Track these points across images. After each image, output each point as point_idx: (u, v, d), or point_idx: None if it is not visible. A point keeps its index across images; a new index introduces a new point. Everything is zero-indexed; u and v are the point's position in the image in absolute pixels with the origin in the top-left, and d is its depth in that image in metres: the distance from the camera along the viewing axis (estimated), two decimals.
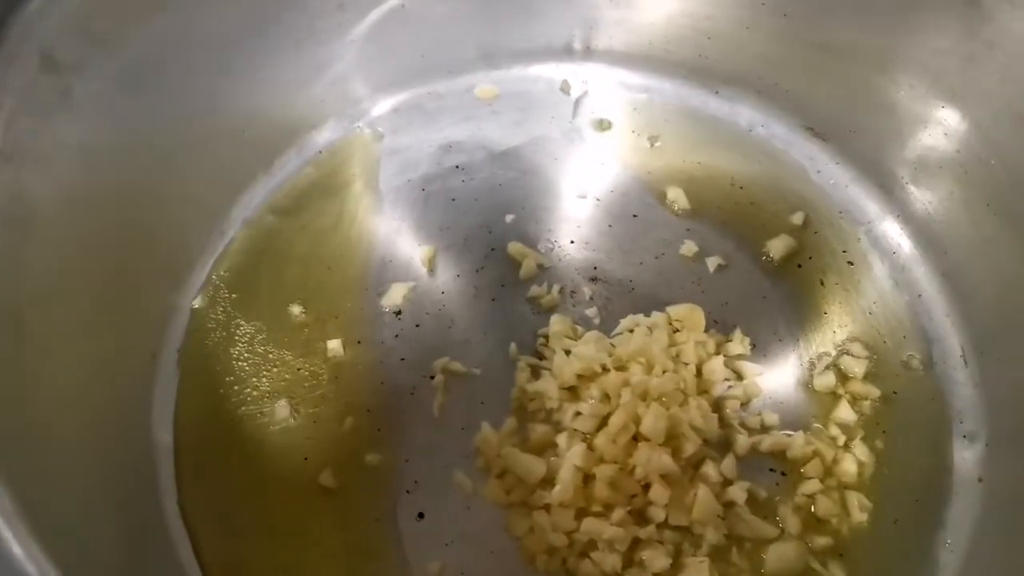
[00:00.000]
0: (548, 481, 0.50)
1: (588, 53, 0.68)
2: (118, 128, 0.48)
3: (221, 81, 0.57)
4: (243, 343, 0.57)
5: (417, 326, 0.57)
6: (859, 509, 0.50)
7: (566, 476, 0.49)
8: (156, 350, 0.55)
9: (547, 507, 0.49)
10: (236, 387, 0.55)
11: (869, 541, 0.50)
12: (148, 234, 0.55)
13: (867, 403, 0.54)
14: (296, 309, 0.58)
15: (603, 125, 0.65)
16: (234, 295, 0.59)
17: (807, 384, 0.55)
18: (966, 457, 0.53)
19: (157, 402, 0.54)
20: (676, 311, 0.56)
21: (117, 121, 0.48)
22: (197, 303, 0.58)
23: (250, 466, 0.53)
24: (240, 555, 0.50)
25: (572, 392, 0.53)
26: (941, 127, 0.56)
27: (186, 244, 0.59)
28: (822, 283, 0.59)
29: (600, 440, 0.50)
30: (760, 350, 0.56)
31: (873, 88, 0.59)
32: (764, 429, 0.53)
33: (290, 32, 0.60)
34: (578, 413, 0.52)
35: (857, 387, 0.54)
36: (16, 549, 0.30)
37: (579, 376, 0.53)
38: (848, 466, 0.51)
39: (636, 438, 0.50)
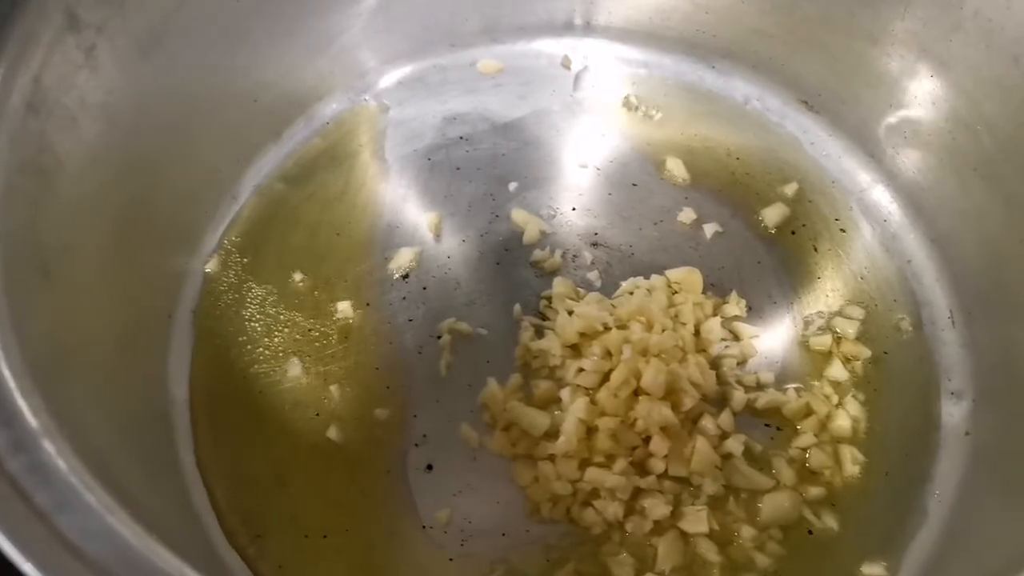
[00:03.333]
0: (552, 434, 0.52)
1: (588, 28, 0.70)
2: (137, 90, 0.50)
3: (234, 49, 0.58)
4: (255, 305, 0.59)
5: (424, 289, 0.59)
6: (851, 462, 0.52)
7: (570, 428, 0.51)
8: (171, 310, 0.57)
9: (551, 458, 0.51)
10: (249, 346, 0.57)
11: (860, 492, 0.52)
12: (163, 197, 0.56)
13: (859, 363, 0.56)
14: (305, 273, 0.59)
15: (627, 103, 0.67)
16: (245, 259, 0.60)
17: (801, 344, 0.57)
18: (953, 413, 0.55)
19: (173, 359, 0.56)
20: (675, 274, 0.58)
21: (136, 83, 0.50)
22: (210, 267, 0.59)
23: (263, 421, 0.54)
24: (254, 505, 0.52)
25: (574, 350, 0.55)
26: (930, 96, 0.58)
27: (199, 209, 0.60)
28: (815, 249, 0.61)
29: (602, 395, 0.52)
30: (756, 312, 0.58)
31: (864, 60, 0.61)
32: (760, 386, 0.55)
33: (298, 4, 0.61)
34: (581, 369, 0.53)
35: (849, 347, 0.56)
36: (60, 463, 0.32)
37: (581, 334, 0.55)
38: (841, 422, 0.53)
39: (636, 393, 0.52)
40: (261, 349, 0.57)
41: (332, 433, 0.53)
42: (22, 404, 0.32)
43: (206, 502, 0.51)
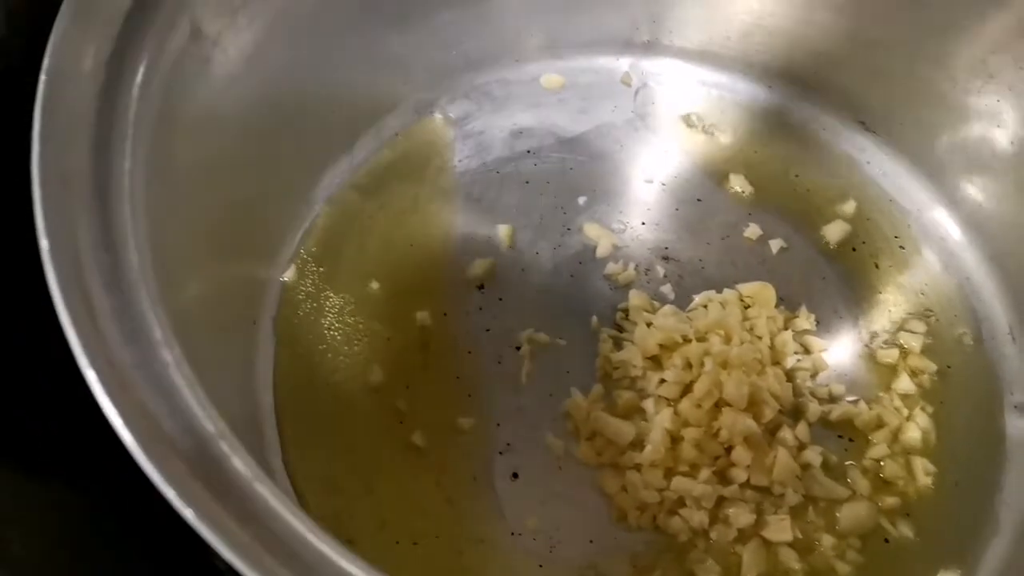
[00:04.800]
0: (636, 443, 0.53)
1: (649, 47, 0.72)
2: (237, 101, 0.51)
3: (318, 63, 0.59)
4: (333, 314, 0.59)
5: (500, 299, 0.60)
6: (923, 472, 0.54)
7: (656, 437, 0.52)
8: (255, 318, 0.58)
9: (637, 467, 0.53)
10: (330, 355, 0.58)
11: (934, 502, 0.54)
12: (246, 206, 0.57)
13: (925, 376, 0.58)
14: (382, 282, 0.60)
15: (689, 120, 0.68)
16: (322, 268, 0.61)
17: (868, 358, 0.59)
18: (1018, 425, 0.57)
19: (259, 367, 0.56)
20: (747, 288, 0.60)
21: (238, 94, 0.51)
22: (288, 276, 0.60)
23: (347, 428, 0.55)
24: (342, 510, 0.52)
25: (654, 361, 0.56)
26: (994, 120, 0.60)
27: (276, 218, 0.61)
28: (876, 266, 0.63)
29: (685, 405, 0.54)
30: (823, 326, 0.60)
31: (926, 83, 0.63)
32: (832, 399, 0.57)
33: (377, 19, 0.63)
34: (662, 380, 0.55)
35: (915, 361, 0.58)
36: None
37: (661, 346, 0.56)
38: (912, 433, 0.55)
39: (717, 404, 0.54)
40: (342, 357, 0.58)
41: (417, 440, 0.54)
42: (197, 410, 0.33)
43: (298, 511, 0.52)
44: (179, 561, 0.46)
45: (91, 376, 0.32)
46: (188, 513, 0.30)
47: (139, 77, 0.40)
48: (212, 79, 0.47)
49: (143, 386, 0.33)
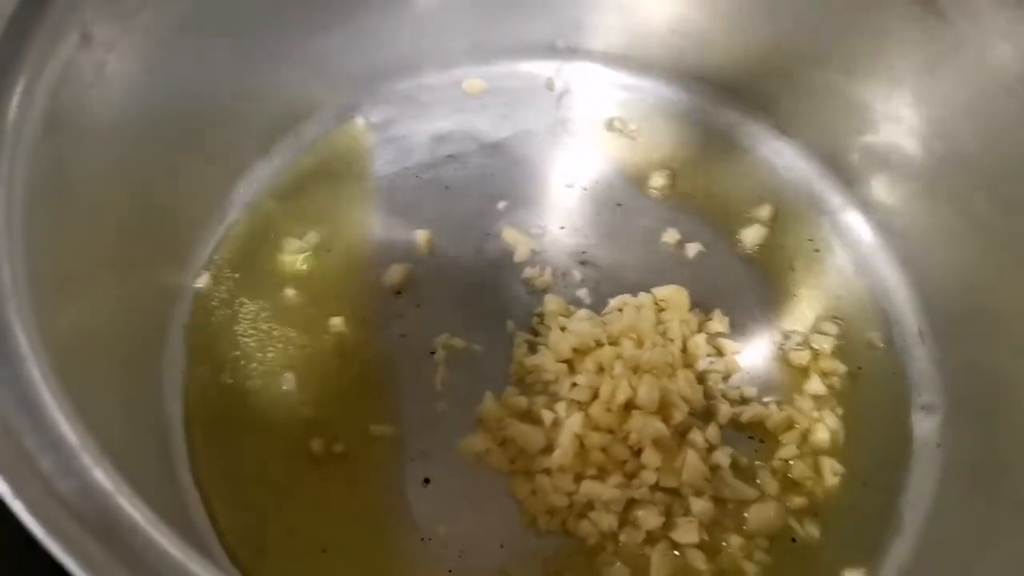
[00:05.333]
0: (547, 448, 0.53)
1: (572, 52, 0.72)
2: (140, 107, 0.50)
3: (230, 68, 0.59)
4: (247, 320, 0.59)
5: (417, 305, 0.60)
6: (831, 473, 0.55)
7: (566, 442, 0.52)
8: (163, 326, 0.57)
9: (548, 471, 0.53)
10: (242, 362, 0.57)
11: (840, 502, 0.54)
12: (156, 213, 0.56)
13: (835, 378, 0.59)
14: (298, 289, 0.60)
15: (610, 125, 0.69)
16: (237, 275, 0.61)
17: (781, 359, 0.60)
18: (925, 426, 0.58)
19: (167, 377, 0.56)
20: (662, 292, 0.60)
21: (140, 100, 0.50)
22: (201, 282, 0.60)
23: (259, 437, 0.55)
24: (253, 522, 0.52)
25: (568, 365, 0.56)
26: (903, 125, 0.61)
27: (189, 224, 0.61)
28: (792, 269, 0.64)
29: (595, 409, 0.54)
30: (738, 329, 0.60)
31: (840, 90, 0.64)
32: (744, 400, 0.57)
33: (292, 24, 0.62)
34: (574, 384, 0.55)
35: (826, 363, 0.59)
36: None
37: (574, 350, 0.56)
38: (821, 434, 0.56)
39: (628, 407, 0.54)
40: (255, 364, 0.57)
41: (329, 448, 0.54)
42: (63, 426, 0.32)
43: (205, 520, 0.52)
44: None
45: None
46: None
47: (20, 85, 0.39)
48: (108, 86, 0.46)
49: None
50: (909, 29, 0.58)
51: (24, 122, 0.39)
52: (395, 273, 0.61)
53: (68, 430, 0.32)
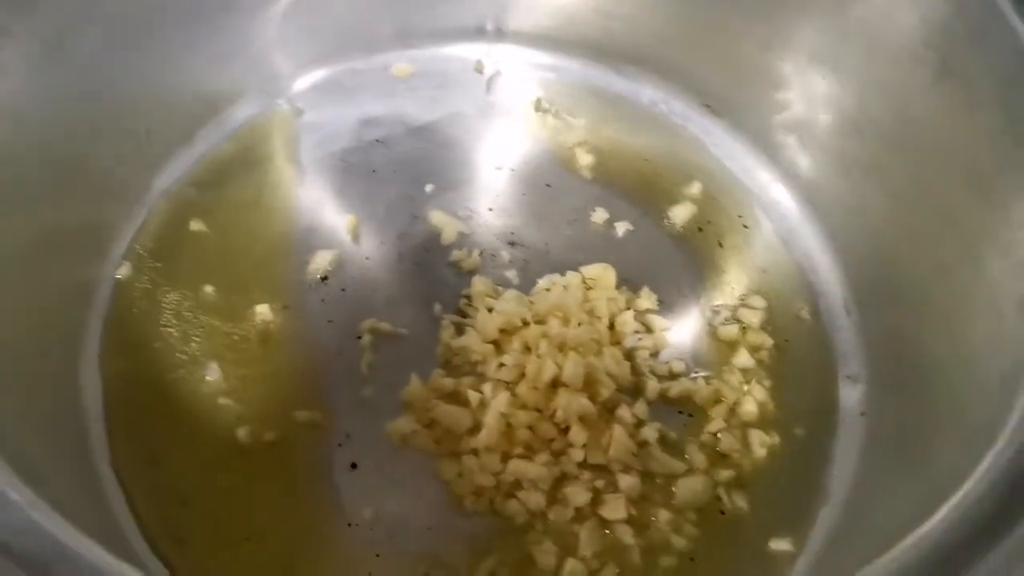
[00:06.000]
0: (474, 429, 0.53)
1: (500, 34, 0.72)
2: (45, 94, 0.49)
3: (145, 52, 0.57)
4: (170, 311, 0.58)
5: (343, 291, 0.59)
6: (759, 445, 0.55)
7: (491, 421, 0.52)
8: (82, 319, 0.56)
9: (474, 452, 0.52)
10: (165, 353, 0.56)
11: (768, 473, 0.55)
12: (71, 202, 0.55)
13: (763, 351, 0.59)
14: (222, 276, 0.59)
15: (539, 106, 0.68)
16: (158, 264, 0.59)
17: (710, 334, 0.60)
18: (849, 396, 0.58)
19: (85, 369, 0.54)
20: (589, 270, 0.60)
21: (44, 86, 0.49)
22: (121, 273, 0.58)
23: (183, 428, 0.54)
24: (174, 514, 0.51)
25: (495, 346, 0.56)
26: (821, 98, 0.62)
27: (108, 214, 0.59)
28: (720, 245, 0.64)
29: (522, 388, 0.54)
30: (667, 306, 0.61)
31: (761, 65, 0.64)
32: (672, 376, 0.57)
33: (211, 5, 0.61)
34: (501, 364, 0.55)
35: (754, 337, 0.59)
36: None
37: (501, 331, 0.56)
38: (749, 407, 0.56)
39: (555, 385, 0.54)
40: (178, 355, 0.56)
41: (253, 436, 0.53)
42: None
43: (127, 512, 0.50)
44: None
45: None
46: None
47: None
48: (7, 73, 0.45)
49: None
50: (823, 1, 0.58)
51: None
52: (321, 259, 0.60)
53: None
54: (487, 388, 0.54)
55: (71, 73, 0.52)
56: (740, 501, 0.54)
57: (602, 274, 0.60)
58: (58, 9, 0.49)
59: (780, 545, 0.52)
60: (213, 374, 0.55)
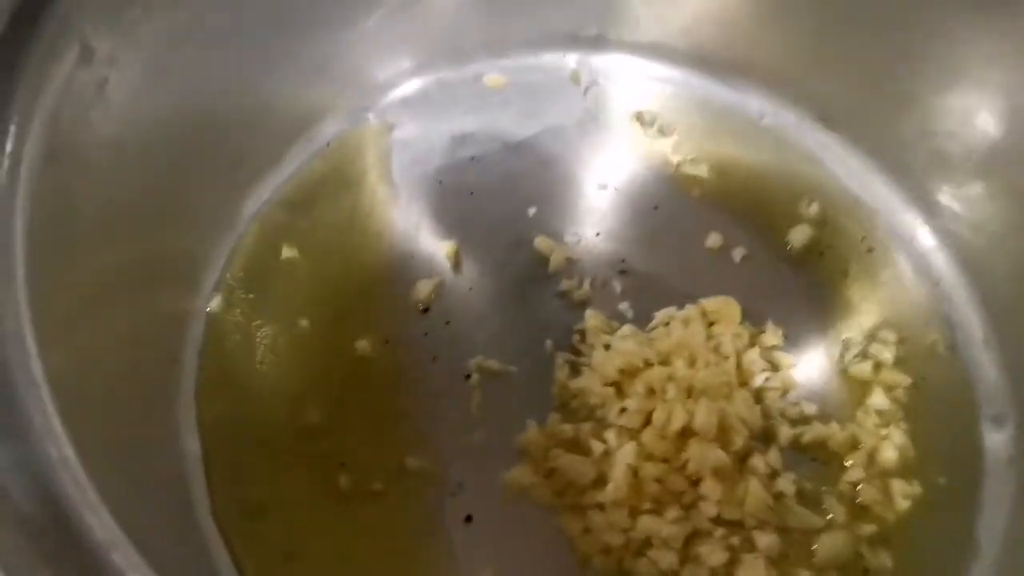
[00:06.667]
0: (598, 480, 0.49)
1: (598, 41, 0.67)
2: (143, 123, 0.46)
3: (236, 73, 0.54)
4: (264, 345, 0.55)
5: (447, 323, 0.56)
6: (901, 496, 0.51)
7: (619, 474, 0.48)
8: (177, 355, 0.53)
9: (600, 506, 0.49)
10: (262, 393, 0.53)
11: (912, 527, 0.51)
12: (163, 233, 0.52)
13: (899, 390, 0.55)
14: (317, 308, 0.56)
15: (641, 119, 0.64)
16: (251, 295, 0.56)
17: (840, 373, 0.56)
18: (995, 439, 0.54)
19: (181, 408, 0.51)
20: (711, 303, 0.56)
21: (143, 115, 0.45)
22: (213, 306, 0.55)
23: (284, 474, 0.51)
24: (283, 570, 0.48)
25: (615, 388, 0.52)
26: (960, 117, 0.57)
27: (198, 245, 0.56)
28: (844, 272, 0.60)
29: (648, 437, 0.50)
30: (791, 341, 0.56)
31: (890, 78, 0.59)
32: (804, 420, 0.53)
33: (299, 23, 0.57)
34: (623, 409, 0.51)
35: (888, 375, 0.55)
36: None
37: (621, 371, 0.52)
38: (888, 453, 0.52)
39: (683, 433, 0.50)
40: (275, 395, 0.53)
41: (360, 485, 0.50)
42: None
43: (230, 566, 0.47)
44: None
45: None
46: None
47: (16, 114, 0.34)
48: (110, 104, 0.42)
49: None
50: (971, 14, 0.53)
51: (22, 154, 0.34)
52: (421, 289, 0.57)
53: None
54: (610, 436, 0.50)
55: (167, 100, 0.48)
56: (884, 558, 0.49)
57: (725, 308, 0.55)
58: (159, 34, 0.45)
59: None
60: (313, 416, 0.52)
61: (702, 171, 0.63)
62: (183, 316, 0.54)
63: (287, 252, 0.58)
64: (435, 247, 0.59)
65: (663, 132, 0.64)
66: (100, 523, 0.28)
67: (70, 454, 0.30)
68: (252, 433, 0.52)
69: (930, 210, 0.61)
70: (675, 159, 0.63)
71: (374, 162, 0.62)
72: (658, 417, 0.50)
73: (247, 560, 0.48)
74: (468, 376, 0.54)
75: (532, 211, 0.60)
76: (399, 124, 0.64)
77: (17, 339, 0.32)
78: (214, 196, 0.57)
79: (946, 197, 0.60)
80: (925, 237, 0.61)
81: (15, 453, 0.28)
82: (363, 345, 0.54)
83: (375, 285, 0.57)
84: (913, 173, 0.61)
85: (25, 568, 0.26)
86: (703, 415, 0.49)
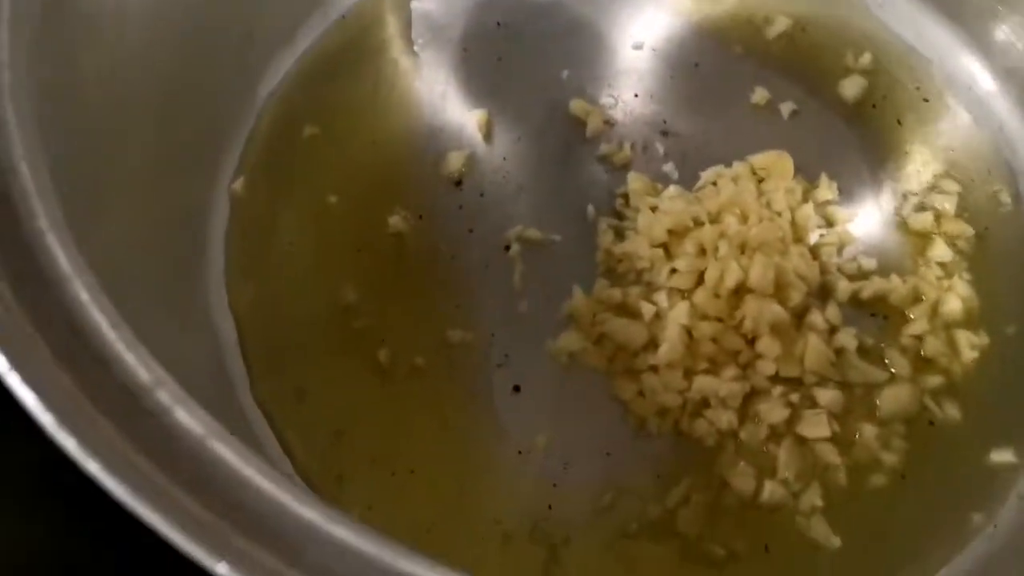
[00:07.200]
0: (650, 343, 0.47)
1: None
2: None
3: None
4: (293, 226, 0.52)
5: (481, 195, 0.53)
6: (968, 347, 0.49)
7: (673, 335, 0.46)
8: (203, 240, 0.51)
9: (654, 368, 0.47)
10: (294, 275, 0.51)
11: (980, 378, 0.49)
12: (180, 113, 0.49)
13: (961, 240, 0.52)
14: (345, 185, 0.53)
15: None
16: (275, 175, 0.54)
17: (898, 226, 0.53)
18: None
19: (213, 294, 0.50)
20: (760, 159, 0.53)
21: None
22: (237, 187, 0.53)
23: (324, 357, 0.49)
24: (328, 448, 0.47)
25: (663, 250, 0.50)
26: None
27: (217, 125, 0.53)
28: (899, 122, 0.56)
29: (700, 296, 0.48)
30: (846, 195, 0.53)
31: None
32: (863, 274, 0.51)
33: None
34: (673, 271, 0.49)
35: (950, 225, 0.52)
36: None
37: (670, 232, 0.50)
38: (952, 305, 0.50)
39: (738, 291, 0.48)
40: (308, 276, 0.51)
41: (402, 361, 0.48)
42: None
43: (279, 451, 0.46)
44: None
45: None
46: (121, 491, 0.23)
47: None
48: None
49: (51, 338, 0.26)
50: None
51: (20, 14, 0.31)
52: (453, 161, 0.54)
53: (132, 362, 0.26)
54: (661, 298, 0.48)
55: None
56: (952, 410, 0.48)
57: (776, 162, 0.52)
58: None
59: (1002, 456, 0.47)
60: (349, 295, 0.50)
61: (742, 24, 0.59)
62: (208, 200, 0.52)
63: (309, 130, 0.55)
64: (464, 117, 0.56)
65: None
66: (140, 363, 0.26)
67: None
68: (287, 315, 0.50)
69: (988, 50, 0.57)
70: (712, 12, 0.59)
71: (393, 33, 0.59)
72: (711, 275, 0.47)
73: (295, 440, 0.47)
74: (507, 247, 0.51)
75: (565, 74, 0.57)
76: None
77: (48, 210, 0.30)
78: (227, 76, 0.54)
79: (1006, 37, 0.56)
80: (985, 81, 0.57)
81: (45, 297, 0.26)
82: (396, 221, 0.52)
83: (404, 160, 0.55)
84: (969, 14, 0.57)
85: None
86: (759, 270, 0.47)
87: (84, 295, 0.26)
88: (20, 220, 0.26)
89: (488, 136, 0.55)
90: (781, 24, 0.59)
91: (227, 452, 0.24)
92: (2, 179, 0.27)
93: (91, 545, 0.42)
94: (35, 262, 0.26)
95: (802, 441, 0.46)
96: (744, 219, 0.50)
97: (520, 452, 0.46)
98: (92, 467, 0.22)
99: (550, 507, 0.45)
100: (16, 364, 0.23)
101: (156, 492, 0.23)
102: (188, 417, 0.25)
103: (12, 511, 0.42)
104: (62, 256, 0.26)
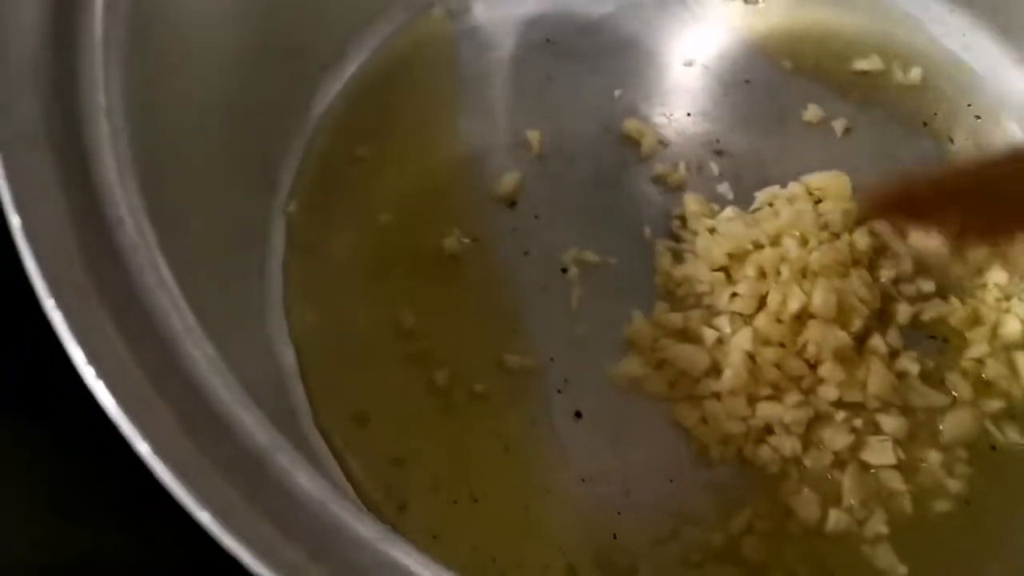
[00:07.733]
0: (712, 369, 0.47)
1: None
2: (221, 12, 0.42)
3: None
4: (347, 249, 0.52)
5: (536, 217, 0.53)
6: None
7: (736, 361, 0.46)
8: (262, 263, 0.51)
9: (716, 395, 0.47)
10: (350, 299, 0.51)
11: None
12: (239, 133, 0.49)
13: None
14: (398, 208, 0.53)
15: None
16: (328, 196, 0.53)
17: (955, 248, 0.52)
18: None
19: (273, 320, 0.50)
20: (816, 180, 0.52)
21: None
22: (291, 209, 0.53)
23: (382, 380, 0.49)
24: (389, 475, 0.47)
25: (724, 273, 0.50)
26: None
27: (271, 146, 0.53)
28: (951, 140, 0.56)
29: (762, 321, 0.47)
30: None
31: None
32: (922, 297, 0.50)
33: None
34: (734, 295, 0.48)
35: (1007, 247, 0.52)
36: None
37: (729, 256, 0.49)
38: (1011, 327, 0.49)
39: (799, 316, 0.47)
40: (364, 300, 0.51)
41: (462, 388, 0.48)
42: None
43: (341, 477, 0.46)
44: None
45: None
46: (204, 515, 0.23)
47: None
48: None
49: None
50: None
51: (112, 36, 0.31)
52: (506, 183, 0.54)
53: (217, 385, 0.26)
54: (723, 322, 0.48)
55: None
56: (1012, 434, 0.47)
57: (833, 183, 0.52)
58: None
59: None
60: (407, 320, 0.50)
61: (793, 41, 0.58)
62: (264, 221, 0.52)
63: (360, 151, 0.55)
64: (516, 138, 0.55)
65: (750, 2, 0.60)
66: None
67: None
68: (346, 340, 0.50)
69: None
70: (762, 29, 0.59)
71: (440, 54, 0.59)
72: (773, 300, 0.47)
73: (357, 467, 0.47)
74: (565, 270, 0.51)
75: (618, 93, 0.57)
76: (463, 11, 0.60)
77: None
78: (279, 96, 0.53)
79: None
80: None
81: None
82: (450, 243, 0.52)
83: (457, 181, 0.54)
84: (1017, 27, 0.57)
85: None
86: (821, 295, 0.46)
87: (197, 352, 0.26)
88: (131, 275, 0.26)
89: (541, 157, 0.55)
90: (831, 38, 0.59)
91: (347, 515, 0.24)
92: (114, 231, 0.27)
93: None
94: (149, 320, 0.26)
95: (866, 468, 0.46)
96: (804, 242, 0.49)
97: (583, 480, 0.46)
98: (229, 542, 0.22)
99: (615, 536, 0.45)
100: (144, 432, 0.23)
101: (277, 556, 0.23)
102: (308, 481, 0.25)
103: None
104: (174, 313, 0.26)
